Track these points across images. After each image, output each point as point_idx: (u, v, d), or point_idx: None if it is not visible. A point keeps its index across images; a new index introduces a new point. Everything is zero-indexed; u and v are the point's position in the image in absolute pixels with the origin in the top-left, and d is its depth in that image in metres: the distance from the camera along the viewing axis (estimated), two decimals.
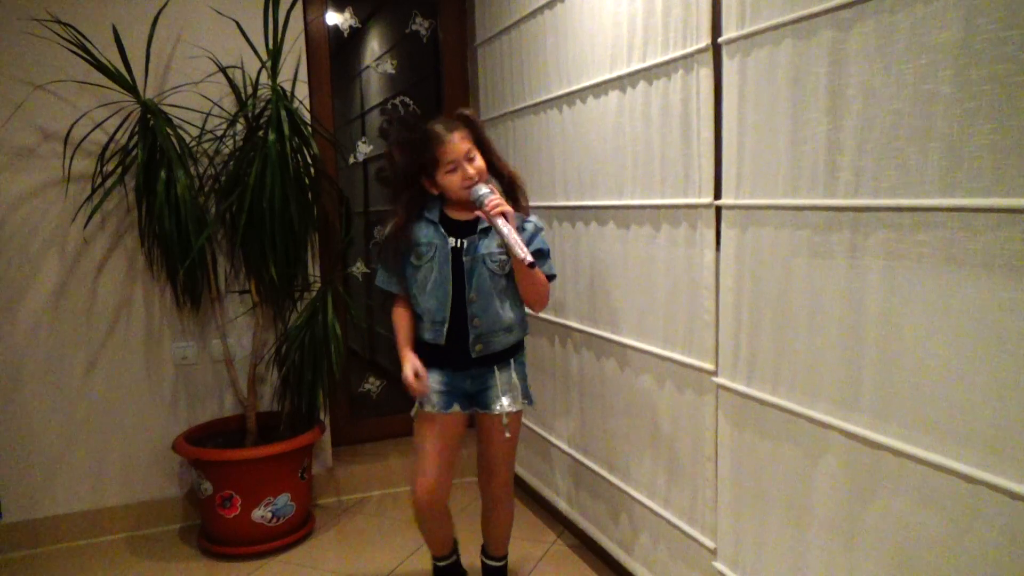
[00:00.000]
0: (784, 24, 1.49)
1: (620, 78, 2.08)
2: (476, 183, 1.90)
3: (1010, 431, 1.13)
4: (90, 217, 2.70)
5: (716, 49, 1.71)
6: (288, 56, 2.81)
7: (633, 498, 2.20)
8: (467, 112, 1.99)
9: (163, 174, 2.56)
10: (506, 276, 1.98)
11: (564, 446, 2.63)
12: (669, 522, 2.03)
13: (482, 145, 1.97)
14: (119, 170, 2.65)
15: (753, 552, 1.72)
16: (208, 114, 2.80)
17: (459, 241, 1.96)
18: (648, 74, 1.96)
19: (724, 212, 1.72)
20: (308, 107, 2.94)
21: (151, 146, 2.60)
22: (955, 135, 1.17)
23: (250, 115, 2.71)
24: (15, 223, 2.70)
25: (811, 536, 1.54)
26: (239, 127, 2.78)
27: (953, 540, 1.23)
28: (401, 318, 2.05)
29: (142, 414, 2.89)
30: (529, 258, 1.79)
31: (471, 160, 1.92)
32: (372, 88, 3.46)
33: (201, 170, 2.77)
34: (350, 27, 3.30)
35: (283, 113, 2.59)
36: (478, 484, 2.18)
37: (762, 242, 1.61)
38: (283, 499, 2.68)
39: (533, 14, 2.57)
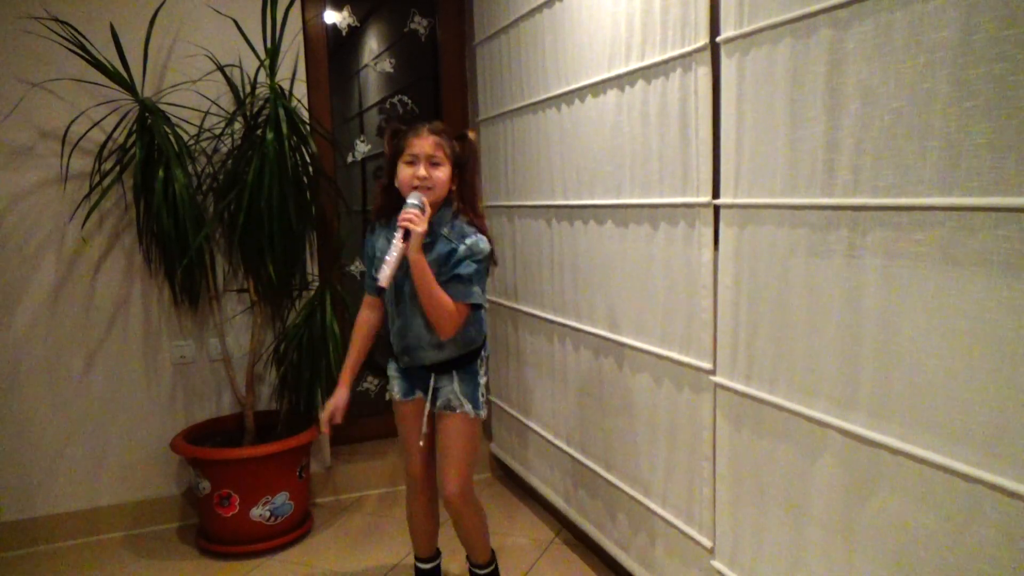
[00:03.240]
0: (782, 23, 1.49)
1: (618, 77, 2.08)
2: (428, 187, 1.88)
3: (1008, 429, 1.13)
4: (88, 216, 2.69)
5: (714, 48, 1.71)
6: (286, 55, 2.80)
7: (631, 497, 2.20)
8: (469, 133, 2.00)
9: (161, 173, 2.55)
10: None
11: (563, 444, 2.63)
12: (667, 521, 2.03)
13: (460, 168, 1.95)
14: (117, 169, 2.65)
15: (751, 551, 1.73)
16: (206, 113, 2.79)
17: None
18: (646, 73, 1.96)
19: (722, 211, 1.73)
20: (306, 106, 2.94)
21: (149, 145, 2.60)
22: (953, 134, 1.17)
23: (248, 114, 2.71)
24: (12, 222, 2.70)
25: (809, 534, 1.54)
26: (237, 126, 2.78)
27: (951, 538, 1.23)
28: (358, 329, 2.13)
29: (140, 413, 2.89)
30: (381, 279, 1.81)
31: (433, 165, 1.89)
32: (370, 87, 3.45)
33: (199, 169, 2.76)
34: (348, 26, 3.29)
35: (281, 112, 2.59)
36: (440, 498, 2.12)
37: (760, 241, 1.61)
38: (281, 498, 2.68)
39: (531, 13, 2.56)
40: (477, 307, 1.96)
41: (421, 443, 2.07)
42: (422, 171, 1.89)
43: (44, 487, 2.80)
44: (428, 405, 2.04)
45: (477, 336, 2.04)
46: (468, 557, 2.22)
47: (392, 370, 2.12)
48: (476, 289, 1.93)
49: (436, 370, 2.03)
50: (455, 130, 1.99)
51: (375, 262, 2.01)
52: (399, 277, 1.94)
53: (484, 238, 1.95)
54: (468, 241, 1.91)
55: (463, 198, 1.97)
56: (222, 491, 2.61)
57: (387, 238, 1.96)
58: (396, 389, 2.11)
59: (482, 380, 2.07)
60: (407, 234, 1.83)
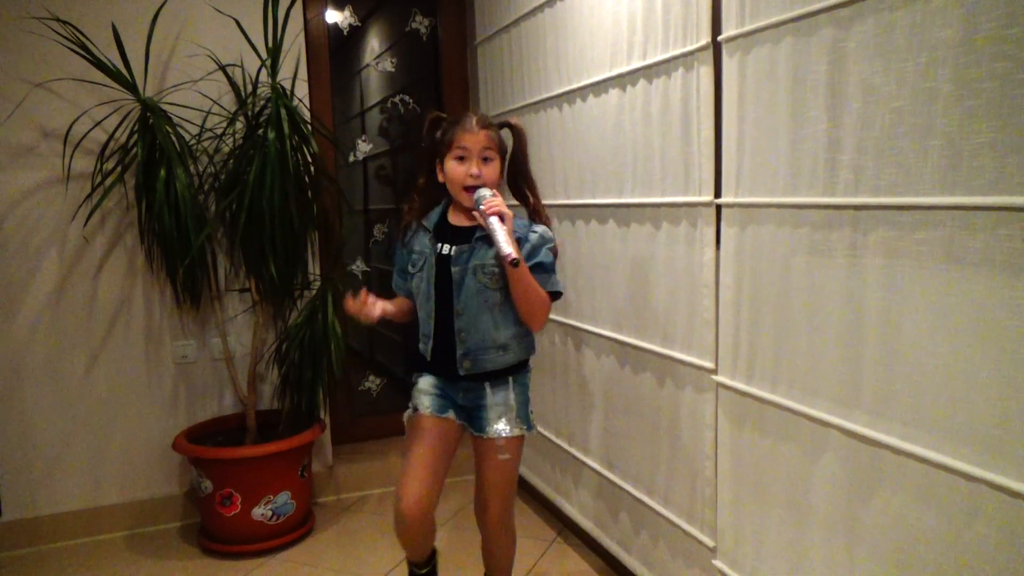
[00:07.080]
0: (784, 22, 1.49)
1: (620, 76, 2.08)
2: (479, 185, 1.78)
3: (1009, 429, 1.13)
4: (90, 215, 2.69)
5: (716, 47, 1.71)
6: (288, 54, 2.80)
7: (633, 496, 2.20)
8: (516, 123, 1.89)
9: (163, 172, 2.56)
10: (502, 290, 1.81)
11: (564, 444, 2.63)
12: (669, 520, 2.03)
13: (515, 163, 1.87)
14: (119, 168, 2.65)
15: (753, 550, 1.73)
16: (208, 112, 2.79)
17: (450, 248, 1.83)
18: (648, 72, 1.96)
19: (724, 210, 1.72)
20: (308, 105, 2.94)
21: (151, 144, 2.60)
22: (955, 133, 1.17)
23: (250, 113, 2.71)
24: (15, 222, 2.70)
25: (811, 534, 1.54)
26: (239, 125, 2.78)
27: (952, 538, 1.23)
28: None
29: (142, 412, 2.90)
30: (514, 253, 1.67)
31: (485, 161, 1.80)
32: (372, 86, 3.46)
33: (201, 168, 2.76)
34: (349, 25, 3.29)
35: (283, 111, 2.59)
36: (474, 513, 2.01)
37: (762, 240, 1.61)
38: (283, 497, 2.69)
39: (533, 12, 2.56)
40: (558, 295, 1.86)
41: (505, 457, 1.85)
42: (475, 168, 1.78)
43: (46, 486, 2.80)
44: (501, 421, 1.85)
45: (534, 340, 1.96)
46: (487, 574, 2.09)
47: (426, 384, 1.91)
48: (557, 277, 1.85)
49: (493, 378, 1.86)
50: (499, 119, 1.90)
51: (413, 262, 1.89)
52: (457, 273, 1.81)
53: (547, 228, 1.86)
54: (539, 229, 1.83)
55: (521, 190, 1.89)
56: (224, 490, 2.61)
57: (424, 228, 1.88)
58: (428, 404, 1.88)
59: (530, 392, 1.94)
60: (502, 219, 1.72)
